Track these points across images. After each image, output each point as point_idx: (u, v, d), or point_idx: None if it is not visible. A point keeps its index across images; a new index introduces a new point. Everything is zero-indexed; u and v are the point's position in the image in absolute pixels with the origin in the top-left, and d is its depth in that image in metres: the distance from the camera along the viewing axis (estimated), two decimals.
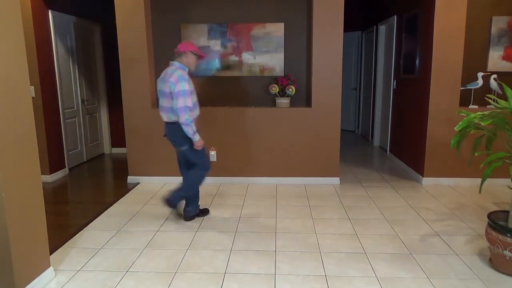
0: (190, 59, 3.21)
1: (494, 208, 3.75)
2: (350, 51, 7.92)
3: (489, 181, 4.36)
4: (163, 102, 3.18)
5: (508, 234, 2.47)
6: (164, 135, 3.36)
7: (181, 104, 3.03)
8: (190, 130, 3.11)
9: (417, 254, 2.84)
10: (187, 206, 3.46)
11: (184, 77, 3.09)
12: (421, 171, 4.59)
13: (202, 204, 3.87)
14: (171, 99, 3.11)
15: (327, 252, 2.87)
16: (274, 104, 4.82)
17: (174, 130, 3.21)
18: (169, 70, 3.18)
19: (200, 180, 3.40)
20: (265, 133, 4.48)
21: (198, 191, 3.48)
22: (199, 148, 3.22)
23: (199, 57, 3.28)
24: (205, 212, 3.62)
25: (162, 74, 3.22)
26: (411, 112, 4.97)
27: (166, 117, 3.23)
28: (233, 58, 4.78)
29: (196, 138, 3.16)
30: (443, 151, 4.43)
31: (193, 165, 3.38)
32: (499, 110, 2.63)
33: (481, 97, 4.53)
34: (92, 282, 2.49)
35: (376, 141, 6.78)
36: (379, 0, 6.55)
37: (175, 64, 3.19)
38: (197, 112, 3.26)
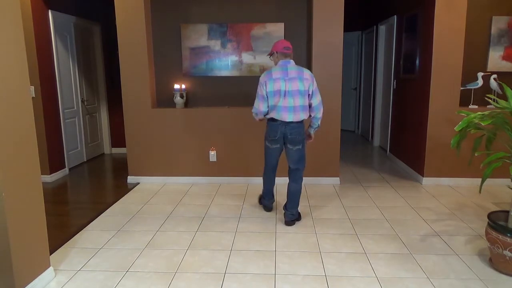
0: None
1: (494, 208, 3.75)
2: (350, 51, 7.92)
3: (489, 181, 4.36)
4: (295, 102, 3.11)
5: (508, 234, 2.47)
6: (270, 137, 3.25)
7: (320, 98, 3.21)
8: (320, 123, 3.31)
9: (417, 254, 2.84)
10: (291, 209, 3.35)
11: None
12: (421, 171, 4.59)
13: (200, 204, 3.88)
14: (306, 97, 3.14)
15: (327, 252, 2.87)
16: None
17: (299, 129, 3.20)
18: (292, 67, 3.14)
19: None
20: None
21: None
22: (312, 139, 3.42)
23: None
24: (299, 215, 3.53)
25: (279, 74, 3.11)
26: (411, 112, 4.97)
27: (296, 117, 3.14)
28: (233, 58, 4.78)
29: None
30: (443, 151, 4.43)
31: (297, 168, 3.30)
32: (499, 110, 2.64)
33: (481, 97, 4.53)
34: (92, 282, 2.49)
35: (376, 141, 6.78)
36: (379, 0, 6.55)
37: (292, 61, 3.19)
38: None
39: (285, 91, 3.10)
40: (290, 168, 3.34)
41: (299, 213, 3.46)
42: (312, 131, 3.36)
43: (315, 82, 3.17)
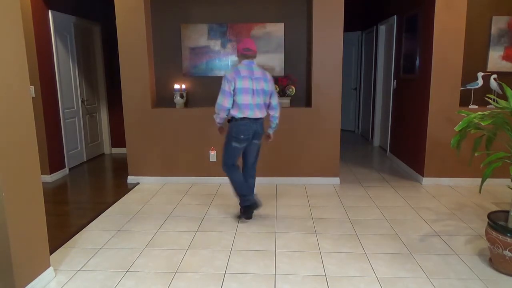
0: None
1: (494, 208, 3.75)
2: (350, 51, 7.92)
3: (489, 181, 4.35)
4: (259, 100, 3.25)
5: (508, 234, 2.47)
6: (244, 136, 3.26)
7: (278, 100, 3.39)
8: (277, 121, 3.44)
9: (417, 254, 2.84)
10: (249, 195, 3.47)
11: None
12: (421, 171, 4.59)
13: (199, 204, 3.88)
14: (268, 96, 3.30)
15: (327, 252, 2.87)
16: None
17: (262, 125, 3.37)
18: (256, 67, 3.27)
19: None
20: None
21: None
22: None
23: None
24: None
25: (246, 72, 3.19)
26: (411, 112, 4.97)
27: (262, 113, 3.32)
28: (233, 58, 4.78)
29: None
30: (443, 151, 4.43)
31: (255, 163, 3.52)
32: (499, 110, 2.63)
33: (481, 97, 4.53)
34: (92, 282, 2.49)
35: (376, 141, 6.78)
36: (379, 0, 6.55)
37: (254, 62, 3.31)
38: None
39: (253, 89, 3.21)
40: (248, 165, 3.49)
41: (256, 200, 3.47)
42: (271, 131, 3.48)
43: (273, 84, 3.38)
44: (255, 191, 3.56)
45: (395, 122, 5.68)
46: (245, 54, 3.24)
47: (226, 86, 3.18)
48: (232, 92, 3.19)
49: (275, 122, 3.42)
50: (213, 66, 4.82)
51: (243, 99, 3.18)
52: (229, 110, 3.24)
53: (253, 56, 3.27)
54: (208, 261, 2.75)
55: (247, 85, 3.18)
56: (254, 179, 3.56)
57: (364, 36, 7.53)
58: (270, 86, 3.30)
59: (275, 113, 3.39)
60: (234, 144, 3.29)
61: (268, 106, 3.37)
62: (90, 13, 5.72)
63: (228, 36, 4.74)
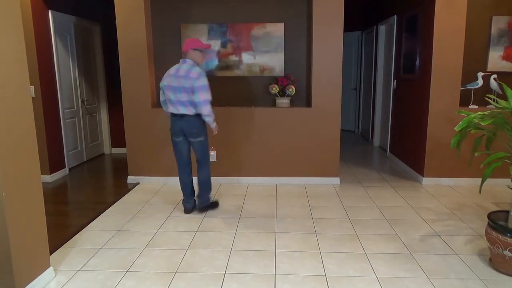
0: (195, 55, 3.39)
1: (494, 208, 3.75)
2: (350, 51, 7.92)
3: (489, 181, 4.36)
4: (182, 97, 3.31)
5: (508, 234, 2.47)
6: (171, 130, 3.49)
7: (204, 97, 3.27)
8: (211, 119, 3.38)
9: (417, 254, 2.84)
10: (202, 196, 3.64)
11: (204, 73, 3.32)
12: (421, 171, 4.59)
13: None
14: (191, 94, 3.29)
15: (327, 252, 2.87)
16: (274, 104, 4.81)
17: (191, 122, 3.40)
18: (183, 66, 3.33)
19: (210, 174, 3.66)
20: (265, 133, 4.48)
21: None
22: (216, 132, 3.56)
23: (203, 50, 3.44)
24: (215, 205, 3.79)
25: (173, 71, 3.37)
26: (411, 112, 4.97)
27: (185, 110, 3.35)
28: (233, 58, 4.78)
29: (215, 124, 3.48)
30: (443, 151, 4.43)
31: (199, 161, 3.58)
32: (499, 110, 2.63)
33: (481, 97, 4.53)
34: (92, 282, 2.49)
35: (376, 141, 6.78)
36: (379, 0, 6.55)
37: (188, 61, 3.35)
38: None
39: (175, 87, 3.32)
40: (197, 161, 3.60)
41: (213, 202, 3.75)
42: (211, 126, 3.50)
43: (201, 81, 3.25)
44: (211, 196, 3.69)
45: (395, 122, 5.68)
46: (184, 53, 3.40)
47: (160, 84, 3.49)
48: (161, 88, 3.48)
49: (205, 119, 3.37)
50: (213, 66, 4.82)
51: (167, 95, 3.40)
52: (163, 103, 3.57)
53: (184, 55, 3.39)
54: (208, 261, 2.75)
55: (168, 82, 3.36)
56: (203, 180, 3.59)
57: (364, 36, 7.53)
58: (188, 83, 3.25)
59: (201, 111, 3.31)
60: (172, 138, 3.54)
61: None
62: (90, 13, 5.72)
63: (228, 36, 4.75)
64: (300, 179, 4.56)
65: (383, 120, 6.41)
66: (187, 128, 3.41)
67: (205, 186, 3.62)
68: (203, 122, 3.44)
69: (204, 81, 3.27)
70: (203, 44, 3.40)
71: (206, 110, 3.30)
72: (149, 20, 4.51)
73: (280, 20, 4.69)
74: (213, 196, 4.17)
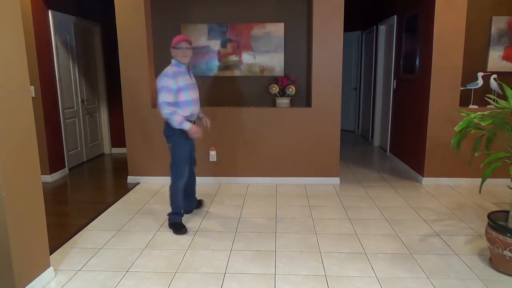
0: (174, 54, 3.20)
1: (494, 208, 3.75)
2: (350, 51, 7.92)
3: (489, 181, 4.34)
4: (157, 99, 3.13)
5: (508, 234, 2.47)
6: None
7: (160, 99, 3.02)
8: (173, 122, 3.06)
9: (417, 254, 2.84)
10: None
11: (168, 73, 3.08)
12: (421, 171, 4.59)
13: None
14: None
15: (327, 252, 2.87)
16: (274, 104, 4.81)
17: (164, 126, 3.25)
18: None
19: (175, 190, 3.27)
20: (265, 133, 4.48)
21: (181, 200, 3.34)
22: (196, 135, 3.16)
23: (177, 47, 3.15)
24: (179, 228, 3.26)
25: None
26: (411, 112, 4.97)
27: (160, 112, 3.13)
28: (233, 58, 4.78)
29: (186, 127, 3.10)
30: (443, 151, 4.43)
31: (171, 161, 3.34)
32: (499, 110, 2.64)
33: (481, 97, 4.53)
34: (92, 282, 2.49)
35: (376, 141, 6.78)
36: (379, 0, 6.55)
37: (172, 60, 3.24)
38: (196, 108, 3.30)
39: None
40: None
41: (177, 223, 3.25)
42: (185, 129, 3.15)
43: (160, 82, 3.05)
44: (176, 216, 3.31)
45: (395, 122, 5.68)
46: None
47: None
48: None
49: (170, 123, 3.12)
50: (213, 66, 4.82)
51: None
52: None
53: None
54: (208, 261, 2.75)
55: None
56: (171, 185, 3.32)
57: (364, 36, 7.53)
58: (155, 84, 3.13)
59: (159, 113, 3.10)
60: None
61: None
62: (90, 13, 5.72)
63: (228, 36, 4.75)
64: (300, 179, 4.56)
65: (383, 120, 6.41)
66: (163, 132, 3.29)
67: (170, 199, 3.31)
68: (174, 128, 3.13)
69: (162, 82, 3.03)
70: (174, 40, 3.16)
71: (163, 113, 3.03)
72: (149, 20, 4.51)
73: (280, 20, 4.69)
74: (213, 196, 4.17)
